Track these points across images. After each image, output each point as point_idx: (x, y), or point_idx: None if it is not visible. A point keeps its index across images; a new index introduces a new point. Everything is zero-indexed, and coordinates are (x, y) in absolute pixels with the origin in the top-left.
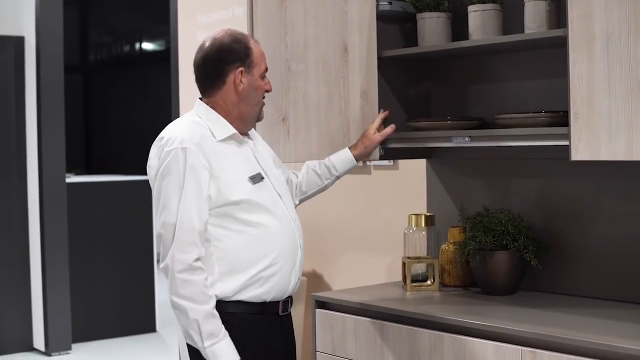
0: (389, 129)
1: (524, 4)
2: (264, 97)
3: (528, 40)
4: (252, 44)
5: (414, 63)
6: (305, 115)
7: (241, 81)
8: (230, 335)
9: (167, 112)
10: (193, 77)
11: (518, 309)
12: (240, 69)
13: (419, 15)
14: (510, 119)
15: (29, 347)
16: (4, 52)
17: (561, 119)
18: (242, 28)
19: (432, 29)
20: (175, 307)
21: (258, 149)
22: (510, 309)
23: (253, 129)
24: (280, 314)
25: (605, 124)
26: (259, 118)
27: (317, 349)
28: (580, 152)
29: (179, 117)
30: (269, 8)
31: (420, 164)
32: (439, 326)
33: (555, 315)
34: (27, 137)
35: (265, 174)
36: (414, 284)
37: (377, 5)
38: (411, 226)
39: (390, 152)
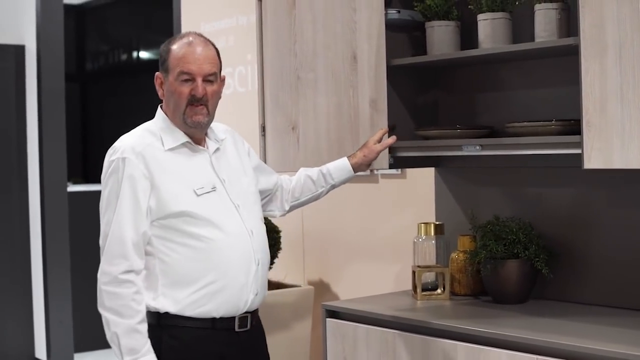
0: (391, 139)
1: (534, 13)
2: (192, 103)
3: (538, 48)
4: (175, 45)
5: (422, 72)
6: (314, 124)
7: (160, 87)
8: (178, 351)
9: None
10: None
11: (531, 318)
12: (158, 74)
13: (427, 24)
14: (521, 127)
15: (31, 357)
16: (4, 61)
17: (572, 127)
18: (248, 36)
19: (441, 38)
20: (103, 318)
21: (222, 155)
22: (523, 317)
23: (234, 133)
24: (237, 329)
25: (618, 132)
26: (187, 123)
27: (327, 358)
28: (593, 160)
29: None
30: (278, 17)
31: (428, 172)
32: (453, 335)
33: (568, 323)
34: (28, 145)
35: (222, 183)
36: (424, 293)
37: (386, 14)
38: (420, 235)
39: (400, 161)
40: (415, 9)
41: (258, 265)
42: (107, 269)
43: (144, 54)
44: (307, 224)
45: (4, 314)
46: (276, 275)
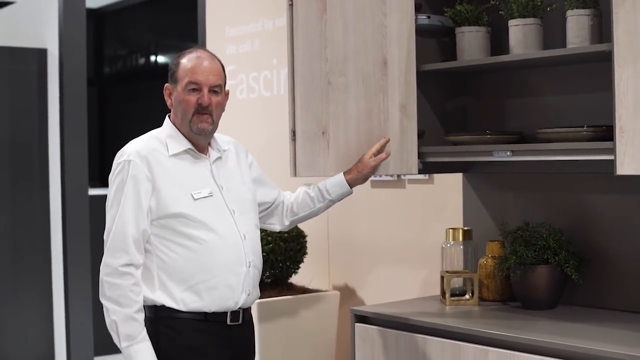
0: (384, 154)
1: (565, 19)
2: (199, 112)
3: (571, 54)
4: (184, 58)
5: (451, 77)
6: (345, 129)
7: (169, 97)
8: (173, 340)
9: None
10: None
11: (561, 323)
12: (167, 85)
13: (458, 30)
14: (552, 133)
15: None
16: (27, 64)
17: (603, 133)
18: (274, 41)
19: (471, 43)
20: (103, 307)
21: (223, 164)
22: (554, 323)
23: (238, 145)
24: (229, 323)
25: None
26: (194, 130)
27: None
28: (626, 166)
29: None
30: (309, 22)
31: (456, 178)
32: (484, 341)
33: (599, 329)
34: (50, 149)
35: (220, 189)
36: (453, 298)
37: (416, 19)
38: (448, 240)
39: (429, 166)
40: (446, 14)
41: (249, 267)
42: (109, 262)
43: (161, 59)
44: (332, 229)
45: (24, 316)
46: (302, 279)
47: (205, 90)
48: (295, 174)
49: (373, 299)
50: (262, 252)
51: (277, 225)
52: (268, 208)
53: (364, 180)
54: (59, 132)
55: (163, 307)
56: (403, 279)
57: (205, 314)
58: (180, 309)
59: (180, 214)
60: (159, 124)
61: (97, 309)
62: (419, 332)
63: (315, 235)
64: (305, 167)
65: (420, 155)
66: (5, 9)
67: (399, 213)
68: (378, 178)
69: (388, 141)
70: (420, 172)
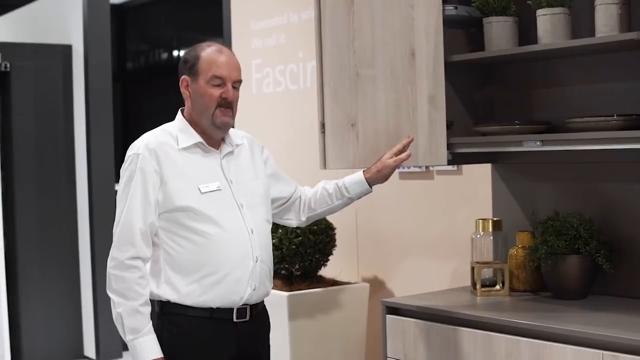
0: (405, 155)
1: (594, 8)
2: (222, 105)
3: (599, 43)
4: (205, 52)
5: (479, 68)
6: (373, 121)
7: (187, 90)
8: (178, 337)
9: None
10: (246, 83)
11: (594, 313)
12: (185, 77)
13: (485, 20)
14: (582, 122)
15: (80, 355)
16: (52, 61)
17: (633, 122)
18: (300, 34)
19: (498, 34)
20: (111, 300)
21: (235, 158)
22: (586, 313)
23: (253, 140)
24: (235, 320)
25: None
26: (216, 124)
27: (387, 355)
28: None
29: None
30: (336, 14)
31: (485, 168)
32: (515, 331)
33: (631, 318)
34: (76, 144)
35: (229, 184)
36: (484, 289)
37: (444, 10)
38: (478, 231)
39: (458, 157)
40: (473, 4)
41: (256, 262)
42: (116, 254)
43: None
44: (361, 221)
45: (53, 312)
46: (331, 272)
47: (229, 84)
48: (325, 166)
49: (402, 291)
50: (292, 245)
51: (294, 220)
52: (284, 203)
53: (384, 179)
54: (84, 127)
55: (168, 302)
56: (432, 271)
57: (210, 310)
58: (185, 303)
59: (186, 207)
60: None
61: None
62: (450, 323)
63: (344, 228)
64: (335, 159)
65: (449, 146)
66: (31, 6)
67: (428, 204)
68: (406, 169)
69: (411, 141)
70: (449, 163)
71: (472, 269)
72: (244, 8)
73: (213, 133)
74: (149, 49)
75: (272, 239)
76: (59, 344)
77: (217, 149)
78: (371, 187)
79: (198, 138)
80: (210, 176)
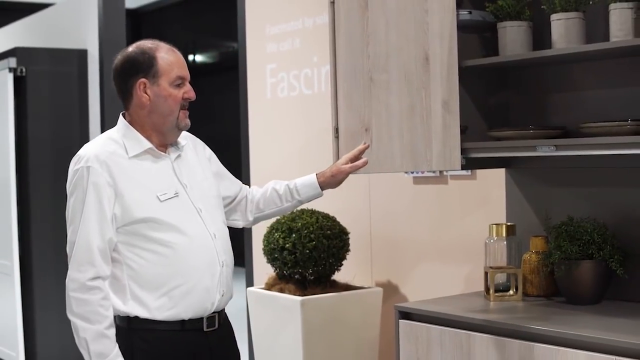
0: (361, 162)
1: (608, 12)
2: (184, 107)
3: (614, 48)
4: (160, 52)
5: (493, 72)
6: (387, 126)
7: (145, 92)
8: (149, 354)
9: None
10: (260, 88)
11: (607, 319)
12: (142, 80)
13: (499, 25)
14: (596, 127)
15: None
16: (67, 65)
17: None
18: (314, 39)
19: (513, 38)
20: (72, 324)
21: (184, 161)
22: (599, 318)
23: (194, 139)
24: (205, 329)
25: None
26: (180, 127)
27: None
28: None
29: (247, 129)
30: (350, 19)
31: (498, 173)
32: (529, 336)
33: None
34: None
35: (184, 188)
36: (497, 294)
37: (458, 14)
38: (492, 236)
39: (471, 162)
40: (487, 9)
41: (222, 266)
42: (75, 276)
43: (199, 57)
44: (375, 226)
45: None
46: (344, 276)
47: (187, 84)
48: None
49: (416, 296)
50: (306, 249)
51: (240, 221)
52: (230, 203)
53: (336, 184)
54: (99, 132)
55: (137, 318)
56: (446, 275)
57: (182, 322)
58: (155, 318)
59: (147, 218)
60: (196, 121)
61: None
62: (463, 328)
63: (358, 232)
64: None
65: (463, 151)
66: (46, 11)
67: (442, 209)
68: (420, 174)
69: (367, 147)
70: (463, 167)
71: (486, 274)
72: (259, 13)
73: (171, 136)
74: None
75: (286, 243)
76: (73, 347)
77: (166, 153)
78: (322, 191)
79: (148, 144)
80: (165, 182)
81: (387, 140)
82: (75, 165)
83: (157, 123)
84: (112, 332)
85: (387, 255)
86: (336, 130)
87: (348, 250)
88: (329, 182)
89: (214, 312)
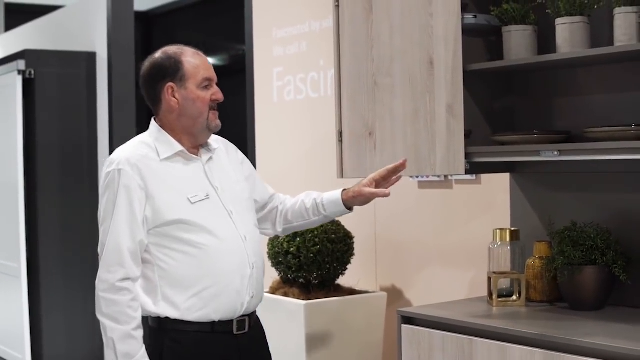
0: (382, 192)
1: (613, 17)
2: (213, 108)
3: (618, 53)
4: (185, 57)
5: (498, 76)
6: (391, 130)
7: (173, 96)
8: (179, 354)
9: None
10: (267, 91)
11: (610, 325)
12: (170, 84)
13: (504, 29)
14: (600, 132)
15: (100, 359)
16: (76, 68)
17: None
18: (321, 42)
19: (518, 42)
20: (100, 324)
21: (215, 164)
22: (602, 324)
23: (227, 142)
24: (235, 332)
25: None
26: (210, 128)
27: None
28: None
29: (254, 132)
30: (355, 23)
31: (503, 178)
32: (531, 342)
33: None
34: (99, 151)
35: (216, 191)
36: (500, 299)
37: (463, 18)
38: (496, 241)
39: (476, 167)
40: (492, 13)
41: (252, 268)
42: (105, 277)
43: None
44: (379, 230)
45: (74, 317)
46: (349, 281)
47: (214, 85)
48: (342, 176)
49: (420, 300)
50: (310, 253)
51: (270, 230)
52: (261, 210)
53: (362, 204)
54: (107, 134)
55: (167, 319)
56: (451, 280)
57: (212, 324)
58: (185, 319)
59: (178, 220)
60: None
61: None
62: (465, 334)
63: (363, 236)
64: (352, 169)
65: (467, 155)
66: (55, 14)
67: (447, 214)
68: (425, 179)
69: (402, 165)
70: (467, 172)
71: (489, 279)
72: (266, 16)
73: (202, 137)
74: None
75: (290, 247)
76: (80, 348)
77: (197, 156)
78: (350, 209)
79: (179, 147)
80: (197, 185)
81: (391, 144)
82: (107, 168)
83: (187, 126)
84: (140, 333)
85: (392, 260)
86: (340, 134)
87: (352, 254)
88: (353, 202)
89: (244, 315)
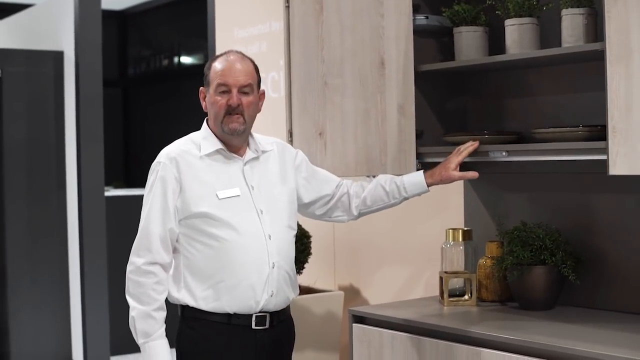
0: (471, 174)
1: (560, 18)
2: (230, 113)
3: (565, 54)
4: (216, 61)
5: (449, 77)
6: (342, 130)
7: (204, 99)
8: (195, 341)
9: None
10: None
11: (557, 324)
12: (202, 88)
13: (455, 30)
14: (547, 133)
15: (68, 359)
16: (43, 67)
17: (599, 133)
18: (281, 42)
19: (469, 43)
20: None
21: (259, 165)
22: (550, 324)
23: (284, 146)
24: (254, 327)
25: None
26: (227, 132)
27: None
28: (618, 166)
29: None
30: (305, 23)
31: None
32: (477, 341)
33: (596, 330)
34: (67, 150)
35: (250, 190)
36: (452, 299)
37: (414, 19)
38: (448, 241)
39: (428, 167)
40: (444, 14)
41: (273, 267)
42: (133, 260)
43: (185, 59)
44: (337, 230)
45: (41, 315)
46: (306, 280)
47: (235, 91)
48: None
49: (378, 299)
50: None
51: (344, 216)
52: (329, 201)
53: (445, 183)
54: (75, 133)
55: (187, 307)
56: (408, 279)
57: (228, 315)
58: (202, 308)
59: (203, 213)
60: (182, 123)
61: (114, 309)
62: (414, 333)
63: (321, 236)
64: None
65: (419, 155)
66: (22, 13)
67: (403, 213)
68: None
69: (476, 146)
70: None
71: (441, 278)
72: (227, 16)
73: (228, 140)
74: (150, 54)
75: None
76: (47, 348)
77: (241, 155)
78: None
79: (219, 145)
80: (231, 182)
81: (341, 145)
82: (155, 161)
83: (213, 128)
84: (160, 314)
85: (349, 259)
86: (290, 133)
87: (309, 253)
88: (436, 183)
89: (264, 312)
